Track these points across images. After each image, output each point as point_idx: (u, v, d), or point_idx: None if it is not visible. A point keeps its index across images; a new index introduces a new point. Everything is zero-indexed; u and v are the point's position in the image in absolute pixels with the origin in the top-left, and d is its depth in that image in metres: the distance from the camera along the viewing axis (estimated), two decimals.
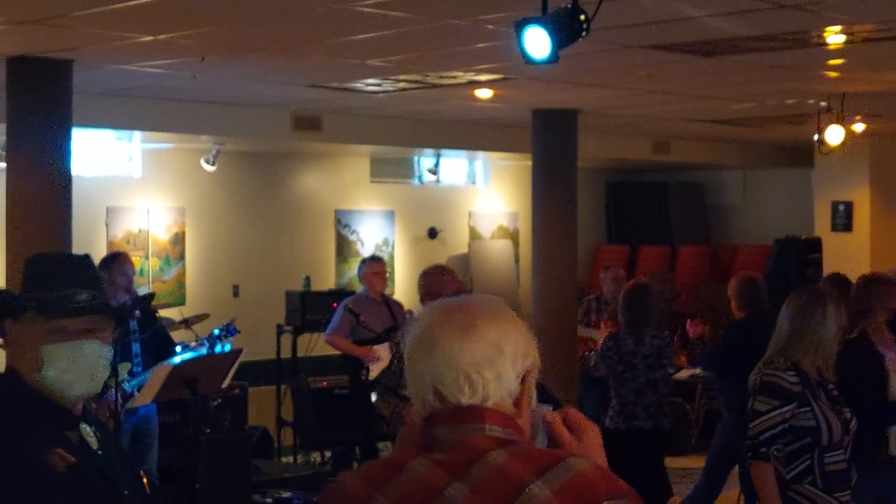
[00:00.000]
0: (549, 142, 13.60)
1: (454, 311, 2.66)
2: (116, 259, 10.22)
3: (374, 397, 9.55)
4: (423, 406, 2.63)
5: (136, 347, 9.74)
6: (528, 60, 6.76)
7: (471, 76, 11.02)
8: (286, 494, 11.68)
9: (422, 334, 2.65)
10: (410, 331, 2.70)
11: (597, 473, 2.52)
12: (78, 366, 3.45)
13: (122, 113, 12.37)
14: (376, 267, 12.13)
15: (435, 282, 8.18)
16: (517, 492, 2.47)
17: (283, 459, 13.30)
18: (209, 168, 14.56)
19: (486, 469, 2.52)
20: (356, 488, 2.63)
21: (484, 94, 12.04)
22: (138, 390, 9.44)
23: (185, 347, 10.15)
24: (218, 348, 9.64)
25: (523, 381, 2.64)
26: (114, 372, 9.26)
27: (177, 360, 9.37)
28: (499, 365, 2.60)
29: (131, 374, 9.62)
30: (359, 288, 13.70)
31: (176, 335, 10.83)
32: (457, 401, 2.59)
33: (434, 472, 2.55)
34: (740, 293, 9.61)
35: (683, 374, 13.39)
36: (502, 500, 2.47)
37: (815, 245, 16.34)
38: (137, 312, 9.84)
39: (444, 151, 16.49)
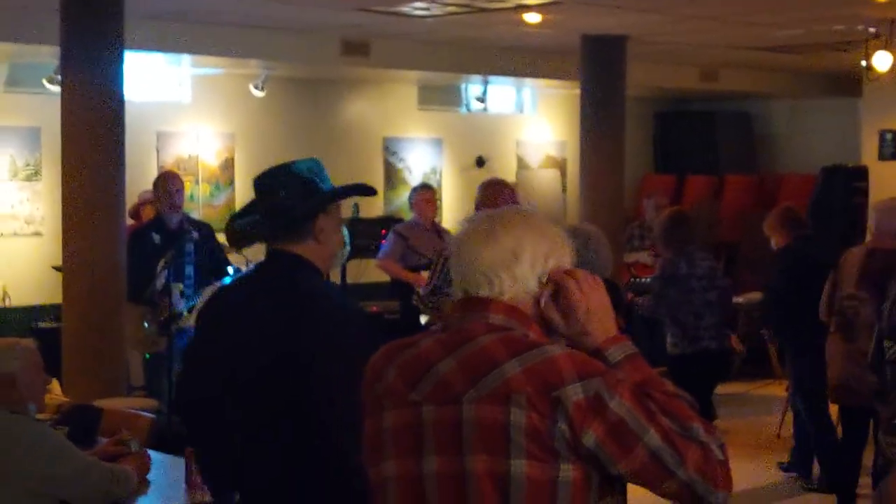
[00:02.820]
0: (597, 69, 13.62)
1: (481, 220, 3.13)
2: (161, 178, 10.43)
3: (423, 319, 9.64)
4: (458, 296, 3.10)
5: (189, 269, 9.86)
6: None
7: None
8: None
9: (456, 239, 3.14)
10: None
11: (567, 359, 2.89)
12: None
13: (172, 37, 12.46)
14: (427, 194, 12.20)
15: (491, 193, 8.24)
16: (492, 367, 2.90)
17: None
18: (258, 94, 14.64)
19: (473, 348, 2.96)
20: (377, 360, 3.14)
21: (532, 18, 12.03)
22: (189, 311, 9.58)
23: (237, 270, 10.29)
24: None
25: (553, 282, 3.04)
26: (167, 291, 9.43)
27: (228, 280, 9.50)
28: (514, 267, 3.03)
29: (183, 295, 9.76)
30: (407, 215, 13.81)
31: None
32: (477, 294, 3.05)
33: (433, 348, 3.03)
34: (780, 223, 9.57)
35: None
36: (479, 374, 2.91)
37: (862, 173, 16.30)
38: (195, 234, 9.99)
39: (491, 79, 16.49)
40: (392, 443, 3.03)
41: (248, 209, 4.50)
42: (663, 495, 2.91)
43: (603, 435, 2.84)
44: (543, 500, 2.86)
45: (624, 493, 3.11)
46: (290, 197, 4.28)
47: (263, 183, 4.37)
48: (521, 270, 3.03)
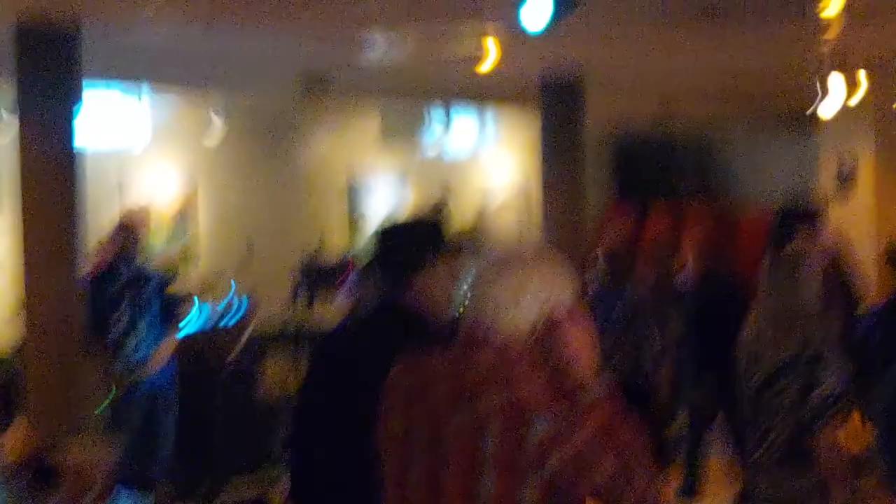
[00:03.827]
0: (555, 109, 13.69)
1: (494, 258, 3.55)
2: (127, 226, 10.37)
3: None
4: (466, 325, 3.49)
5: (146, 319, 9.84)
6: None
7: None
8: None
9: (471, 274, 3.57)
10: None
11: (539, 396, 3.29)
12: None
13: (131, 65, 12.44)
14: None
15: None
16: (472, 397, 3.32)
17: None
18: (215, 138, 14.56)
19: (463, 377, 3.38)
20: (397, 371, 3.60)
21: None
22: (145, 362, 9.56)
23: (193, 319, 10.29)
24: (224, 322, 9.74)
25: (549, 320, 3.41)
26: (123, 342, 9.41)
27: (183, 332, 9.49)
28: (516, 304, 3.40)
29: (139, 346, 9.73)
30: None
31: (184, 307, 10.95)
32: (482, 324, 3.42)
33: (435, 370, 3.48)
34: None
35: None
36: (464, 401, 3.34)
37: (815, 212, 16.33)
38: (152, 283, 9.97)
39: (453, 114, 16.48)
40: (393, 444, 3.52)
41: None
42: None
43: (561, 465, 3.22)
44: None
45: None
46: (405, 248, 4.71)
47: (382, 232, 4.81)
48: (522, 308, 3.41)
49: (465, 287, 3.59)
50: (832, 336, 6.38)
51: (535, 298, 3.43)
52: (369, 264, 4.93)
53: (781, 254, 6.40)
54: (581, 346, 3.45)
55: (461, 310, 3.62)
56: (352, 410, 4.25)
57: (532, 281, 3.44)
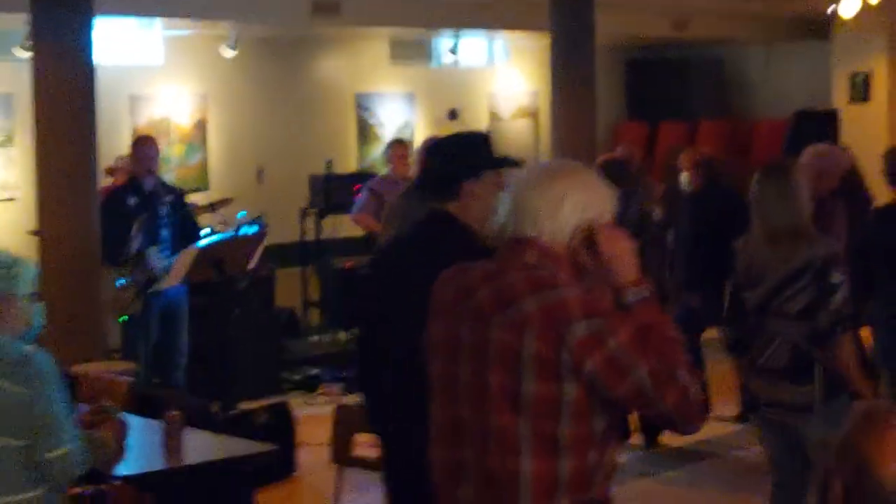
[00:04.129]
0: (566, 20, 13.62)
1: (535, 169, 3.80)
2: (138, 142, 10.42)
3: None
4: (508, 233, 3.65)
5: (164, 233, 9.92)
6: None
7: None
8: (315, 371, 11.96)
9: (512, 184, 3.71)
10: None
11: (577, 300, 3.43)
12: None
13: (142, 0, 12.46)
14: (401, 150, 12.27)
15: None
16: (514, 301, 3.48)
17: (311, 339, 13.53)
18: (230, 54, 14.64)
19: (505, 281, 3.54)
20: (444, 277, 3.76)
21: None
22: (165, 273, 9.65)
23: (212, 231, 10.36)
24: (244, 231, 9.82)
25: (588, 228, 3.55)
26: (142, 254, 9.50)
27: (203, 242, 9.57)
28: (556, 212, 3.55)
29: (158, 257, 9.82)
30: (381, 170, 13.87)
31: (202, 220, 11.04)
32: (523, 233, 3.59)
33: (478, 276, 3.63)
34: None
35: None
36: (504, 305, 3.50)
37: (833, 117, 16.38)
38: (168, 198, 10.04)
39: (462, 32, 16.51)
40: (440, 347, 3.68)
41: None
42: (650, 418, 3.60)
43: (599, 366, 3.39)
44: (549, 413, 3.44)
45: (624, 413, 3.80)
46: (445, 160, 4.88)
47: (427, 146, 5.05)
48: (562, 216, 3.56)
49: (508, 198, 3.70)
50: (838, 247, 6.44)
51: (573, 208, 3.56)
52: (418, 176, 5.16)
53: (768, 166, 6.44)
54: (619, 253, 3.55)
55: (505, 219, 3.70)
56: (407, 317, 4.29)
57: (571, 191, 3.58)
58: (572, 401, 3.43)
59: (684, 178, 9.91)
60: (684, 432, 3.56)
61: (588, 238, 3.56)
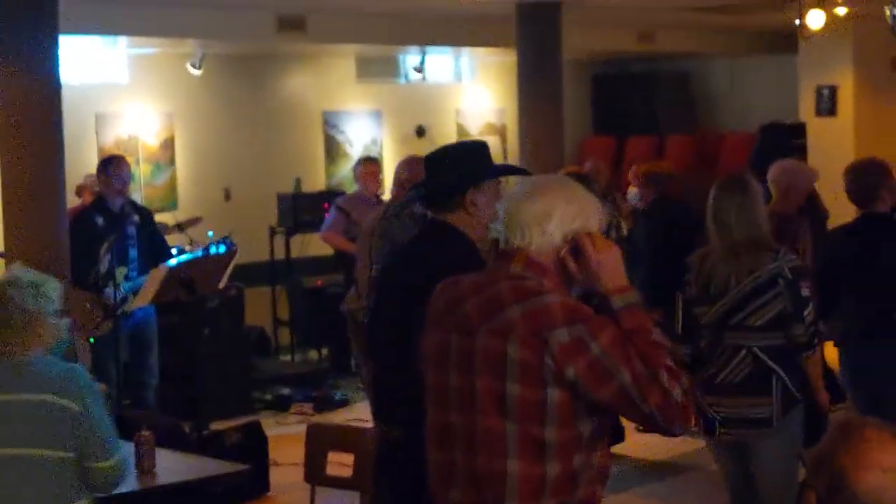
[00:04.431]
0: (532, 36, 13.63)
1: (526, 183, 3.89)
2: (112, 162, 10.31)
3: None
4: (498, 244, 3.80)
5: (132, 252, 9.86)
6: None
7: None
8: (286, 391, 11.91)
9: (504, 197, 3.86)
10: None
11: (559, 307, 3.57)
12: None
13: (107, 18, 12.39)
14: (371, 167, 12.23)
15: (408, 170, 8.24)
16: (499, 309, 3.63)
17: (282, 358, 13.49)
18: (195, 72, 14.60)
19: (491, 291, 3.70)
20: (438, 290, 3.91)
21: None
22: (134, 294, 9.58)
23: (181, 251, 10.30)
24: (213, 250, 9.75)
25: (573, 239, 3.70)
26: (111, 275, 9.42)
27: (173, 261, 9.50)
28: (545, 224, 3.70)
29: (127, 278, 9.75)
30: (349, 188, 13.84)
31: (170, 239, 10.97)
32: (511, 243, 3.74)
33: (468, 287, 3.80)
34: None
35: None
36: (491, 314, 3.65)
37: (800, 130, 16.41)
38: (136, 218, 9.98)
39: (429, 49, 16.51)
40: (432, 356, 3.84)
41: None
42: (633, 421, 3.71)
43: (581, 371, 3.51)
44: (534, 415, 3.56)
45: (609, 415, 3.76)
46: (448, 171, 4.92)
47: (429, 157, 5.04)
48: (550, 227, 3.70)
49: (500, 208, 3.83)
50: (803, 261, 6.43)
51: (561, 220, 3.71)
52: (418, 186, 5.23)
53: (725, 180, 6.43)
54: (606, 260, 3.69)
55: (496, 231, 3.84)
56: (408, 325, 4.37)
57: (559, 203, 3.72)
58: (556, 404, 3.55)
59: (631, 193, 9.93)
60: (668, 434, 3.65)
61: (576, 247, 3.70)
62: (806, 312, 6.02)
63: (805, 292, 6.03)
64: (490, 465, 3.62)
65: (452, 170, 4.92)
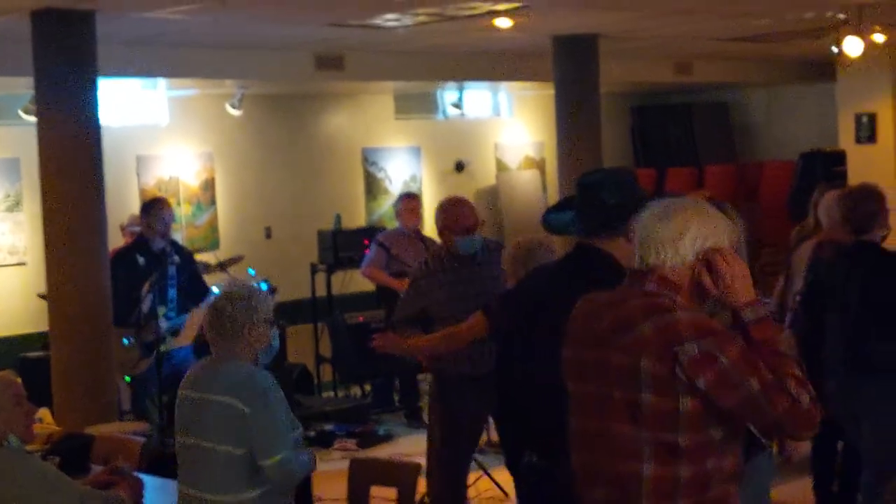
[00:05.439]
0: (570, 69, 13.66)
1: (660, 205, 3.99)
2: (154, 205, 10.40)
3: None
4: (634, 263, 4.00)
5: (171, 293, 9.91)
6: None
7: (489, 6, 11.08)
8: (329, 427, 11.91)
9: (638, 218, 3.99)
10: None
11: (689, 322, 3.78)
12: None
13: (147, 61, 12.48)
14: (412, 203, 12.22)
15: (451, 214, 7.99)
16: (632, 325, 3.85)
17: (324, 394, 13.49)
18: (235, 112, 14.69)
19: (625, 308, 3.92)
20: (578, 306, 4.15)
21: (503, 23, 12.04)
22: (172, 335, 9.62)
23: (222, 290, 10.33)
24: None
25: (705, 257, 3.89)
26: (153, 314, 9.47)
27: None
28: (678, 243, 3.90)
29: (166, 318, 9.80)
30: (390, 224, 13.86)
31: (212, 279, 11.01)
32: (646, 262, 3.94)
33: (603, 303, 4.02)
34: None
35: None
36: (623, 330, 3.86)
37: (840, 157, 16.36)
38: (176, 258, 10.04)
39: (466, 84, 16.56)
40: (570, 369, 4.10)
41: (562, 205, 5.25)
42: (760, 429, 3.89)
43: (710, 382, 3.73)
44: (666, 422, 3.79)
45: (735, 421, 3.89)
46: (611, 197, 4.95)
47: (587, 182, 5.03)
48: (683, 246, 3.90)
49: (634, 229, 4.01)
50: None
51: (694, 239, 3.90)
52: (566, 212, 5.23)
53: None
54: (737, 275, 3.86)
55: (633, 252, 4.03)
56: (553, 342, 4.43)
57: (692, 223, 3.91)
58: (689, 412, 3.78)
59: None
60: (796, 439, 3.94)
61: (709, 263, 3.88)
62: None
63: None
64: (626, 467, 3.87)
65: (615, 195, 4.95)
